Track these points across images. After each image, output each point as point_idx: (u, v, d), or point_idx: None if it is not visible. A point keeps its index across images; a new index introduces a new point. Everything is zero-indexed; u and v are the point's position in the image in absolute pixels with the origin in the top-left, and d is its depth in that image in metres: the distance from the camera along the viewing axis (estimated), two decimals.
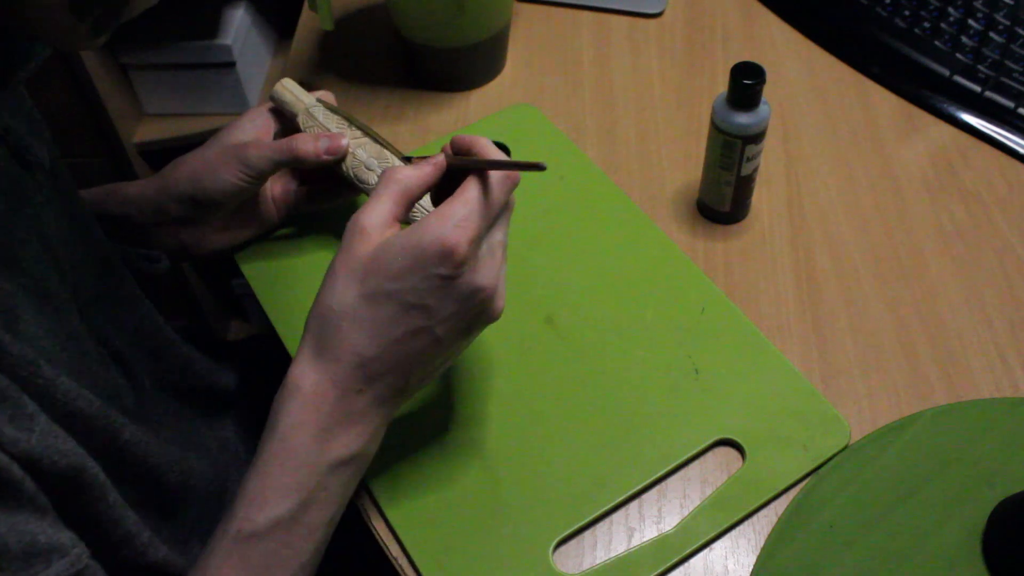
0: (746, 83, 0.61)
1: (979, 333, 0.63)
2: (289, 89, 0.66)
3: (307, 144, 0.62)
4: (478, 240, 0.47)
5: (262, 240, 0.70)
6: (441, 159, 0.51)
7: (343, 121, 0.65)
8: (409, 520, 0.55)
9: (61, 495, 0.46)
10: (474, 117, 0.80)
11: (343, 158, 0.63)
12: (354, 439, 0.49)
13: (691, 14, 0.88)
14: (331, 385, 0.48)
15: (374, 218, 0.48)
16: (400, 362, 0.48)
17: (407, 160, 0.63)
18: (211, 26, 1.18)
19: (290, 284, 0.68)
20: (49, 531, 0.43)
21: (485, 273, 0.47)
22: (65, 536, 0.44)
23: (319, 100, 0.66)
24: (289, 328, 0.65)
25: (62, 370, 0.47)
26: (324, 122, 0.64)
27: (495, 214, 0.48)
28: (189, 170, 0.64)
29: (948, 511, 0.54)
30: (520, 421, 0.59)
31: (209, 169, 0.63)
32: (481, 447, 0.58)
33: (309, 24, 0.91)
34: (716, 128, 0.64)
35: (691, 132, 0.77)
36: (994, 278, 0.66)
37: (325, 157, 0.62)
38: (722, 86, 0.80)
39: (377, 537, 0.56)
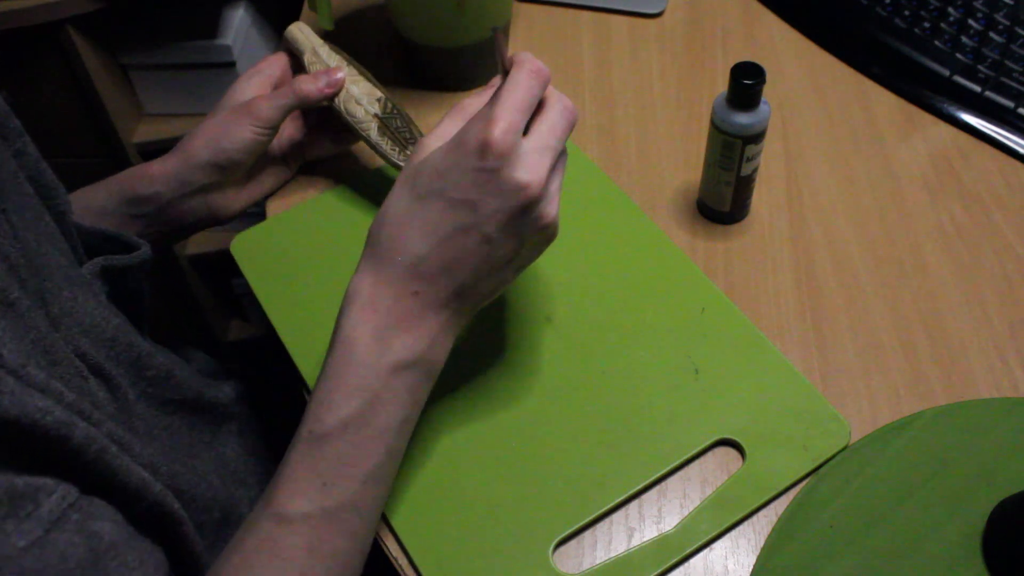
0: (746, 83, 0.61)
1: (979, 333, 0.63)
2: (301, 30, 0.72)
3: (308, 84, 0.68)
4: (516, 132, 0.48)
5: (262, 240, 0.70)
6: (496, 81, 0.53)
7: (343, 60, 0.71)
8: (409, 520, 0.55)
9: (55, 453, 0.43)
10: None
11: (341, 86, 0.69)
12: (414, 341, 0.49)
13: (691, 14, 0.88)
14: (386, 287, 0.49)
15: (434, 136, 0.51)
16: (452, 261, 0.49)
17: (387, 106, 0.69)
18: (211, 26, 1.18)
19: (290, 283, 0.68)
20: (26, 476, 0.41)
21: (529, 168, 0.48)
22: (45, 478, 0.42)
23: (325, 42, 0.71)
24: (289, 328, 0.65)
25: (30, 383, 0.42)
26: (327, 60, 0.70)
27: (531, 106, 0.49)
28: (205, 137, 0.68)
29: (948, 511, 0.54)
30: (520, 421, 0.59)
31: (224, 131, 0.67)
32: (481, 447, 0.58)
33: (309, 24, 0.91)
34: (716, 128, 0.64)
35: (691, 132, 0.77)
36: (994, 278, 0.66)
37: (327, 91, 0.68)
38: (722, 86, 0.80)
39: (377, 537, 0.56)
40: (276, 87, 0.72)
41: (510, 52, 0.51)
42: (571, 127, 0.51)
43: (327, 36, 0.89)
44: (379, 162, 0.77)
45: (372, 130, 0.68)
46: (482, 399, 0.60)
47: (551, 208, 0.50)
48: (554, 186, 0.50)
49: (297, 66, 0.73)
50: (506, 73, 0.50)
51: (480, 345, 0.63)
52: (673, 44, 0.85)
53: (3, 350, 0.41)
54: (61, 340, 0.50)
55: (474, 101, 0.52)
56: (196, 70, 1.19)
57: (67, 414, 0.42)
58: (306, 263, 0.69)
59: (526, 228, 0.49)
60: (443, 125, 0.52)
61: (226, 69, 1.19)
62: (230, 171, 0.69)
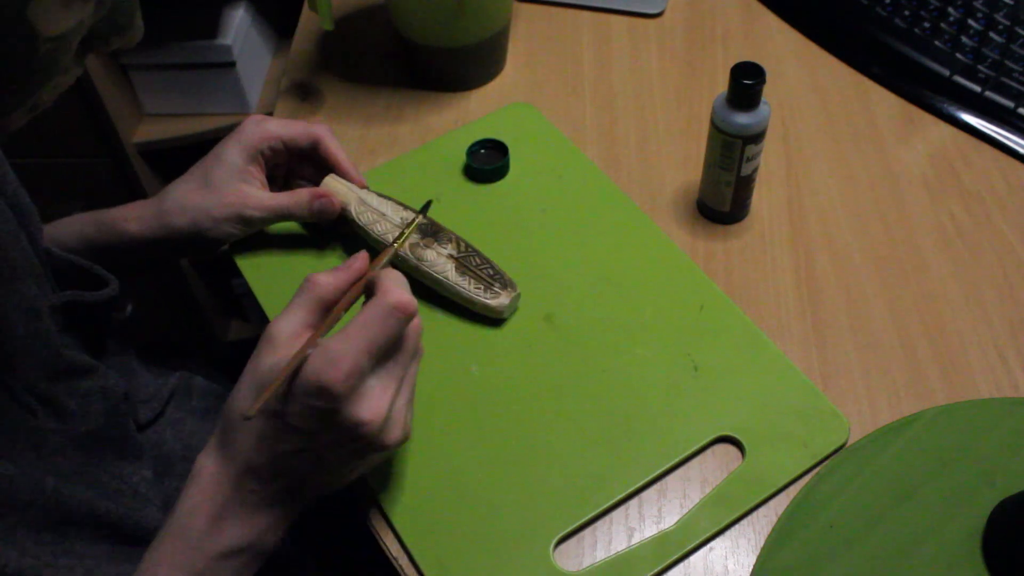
0: (746, 83, 0.61)
1: (979, 333, 0.63)
2: (339, 181, 0.68)
3: (302, 209, 0.66)
4: (358, 375, 0.46)
5: (262, 240, 0.70)
6: (360, 264, 0.52)
7: (396, 204, 0.67)
8: (410, 519, 0.55)
9: None
10: (474, 117, 0.80)
11: (335, 217, 0.67)
12: (247, 531, 0.50)
13: (691, 14, 0.88)
14: (226, 478, 0.49)
15: (285, 328, 0.49)
16: (289, 473, 0.49)
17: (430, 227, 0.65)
18: (211, 26, 1.18)
19: (290, 284, 0.67)
20: None
21: (369, 407, 0.47)
22: None
23: (369, 189, 0.68)
24: None
25: None
26: (377, 207, 0.67)
27: (381, 347, 0.47)
28: (190, 219, 0.65)
29: (948, 511, 0.54)
30: (520, 419, 0.59)
31: (210, 222, 0.65)
32: (481, 445, 0.58)
33: (309, 24, 0.91)
34: (716, 128, 0.64)
35: (691, 132, 0.77)
36: (994, 278, 0.66)
37: (317, 215, 0.67)
38: (722, 86, 0.80)
39: (377, 537, 0.56)
40: (271, 154, 0.68)
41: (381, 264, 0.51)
42: (418, 343, 0.50)
43: (326, 36, 0.89)
44: (378, 163, 0.77)
45: (450, 271, 0.64)
46: (482, 398, 0.60)
47: (394, 434, 0.49)
48: (398, 411, 0.49)
49: (272, 156, 0.68)
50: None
51: (479, 343, 0.63)
52: (673, 44, 0.85)
53: None
54: (8, 384, 0.52)
55: (327, 284, 0.50)
56: (196, 70, 1.19)
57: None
58: (306, 263, 0.69)
59: (369, 451, 0.49)
60: (293, 311, 0.50)
61: (226, 69, 1.19)
62: (210, 247, 0.68)
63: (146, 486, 0.60)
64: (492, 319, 0.64)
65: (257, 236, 0.70)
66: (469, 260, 0.64)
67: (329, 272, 0.51)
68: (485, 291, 0.63)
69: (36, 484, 0.51)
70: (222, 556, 0.49)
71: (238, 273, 0.69)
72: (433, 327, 0.64)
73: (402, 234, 0.61)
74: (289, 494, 0.50)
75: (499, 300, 0.62)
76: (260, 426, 0.48)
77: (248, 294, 0.68)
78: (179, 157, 1.29)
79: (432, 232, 0.65)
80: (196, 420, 0.71)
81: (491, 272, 0.64)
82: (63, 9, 0.40)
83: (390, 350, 0.48)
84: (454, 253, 0.64)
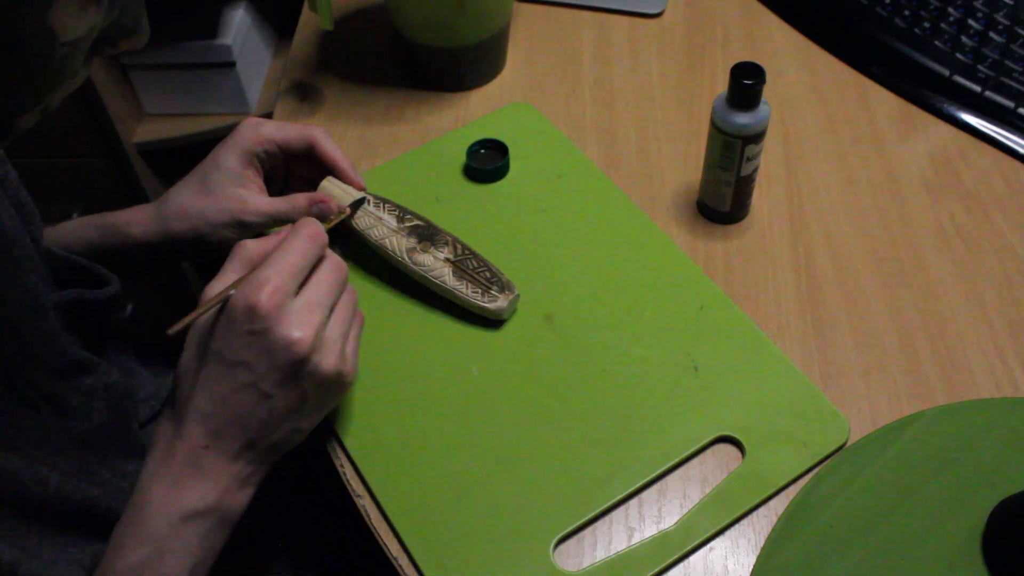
0: (746, 83, 0.61)
1: (979, 333, 0.63)
2: (336, 184, 0.67)
3: (299, 214, 0.66)
4: (284, 294, 0.49)
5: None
6: (284, 232, 0.53)
7: (394, 209, 0.67)
8: (410, 519, 0.55)
9: None
10: (474, 117, 0.80)
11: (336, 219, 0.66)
12: (207, 492, 0.50)
13: (691, 14, 0.88)
14: (180, 440, 0.50)
15: (217, 282, 0.52)
16: (236, 417, 0.50)
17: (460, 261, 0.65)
18: (211, 26, 1.18)
19: None
20: None
21: (297, 324, 0.49)
22: None
23: (365, 193, 0.68)
24: None
25: None
26: (374, 211, 0.67)
27: (300, 269, 0.51)
28: (189, 225, 0.66)
29: (948, 511, 0.54)
30: (520, 419, 0.59)
31: (209, 228, 0.66)
32: (481, 446, 0.58)
33: (309, 24, 0.91)
34: (716, 128, 0.64)
35: (691, 132, 0.77)
36: (994, 278, 0.66)
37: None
38: (722, 86, 0.80)
39: (377, 536, 0.56)
40: (268, 158, 0.68)
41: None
42: (342, 283, 0.53)
43: (326, 36, 0.89)
44: (378, 163, 0.77)
45: (447, 276, 0.64)
46: (483, 398, 0.60)
47: (328, 359, 0.51)
48: (330, 336, 0.51)
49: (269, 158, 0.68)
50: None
51: (479, 343, 0.63)
52: (673, 44, 0.85)
53: None
54: (12, 381, 0.53)
55: (257, 246, 0.53)
56: (196, 70, 1.19)
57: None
58: None
59: (304, 380, 0.50)
60: (224, 271, 0.52)
61: (226, 69, 1.19)
62: (211, 250, 0.68)
63: None
64: (491, 320, 0.64)
65: (257, 236, 0.70)
66: (466, 263, 0.64)
67: (257, 239, 0.54)
68: (483, 295, 0.63)
69: (40, 479, 0.52)
70: (184, 519, 0.49)
71: None
72: (433, 328, 0.64)
73: (329, 220, 0.63)
74: (245, 448, 0.51)
75: (497, 304, 0.62)
76: (200, 370, 0.50)
77: None
78: (179, 157, 1.29)
79: (429, 236, 0.65)
80: None
81: (488, 275, 0.64)
82: (80, 13, 0.41)
83: (317, 280, 0.51)
84: (450, 257, 0.64)
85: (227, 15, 1.19)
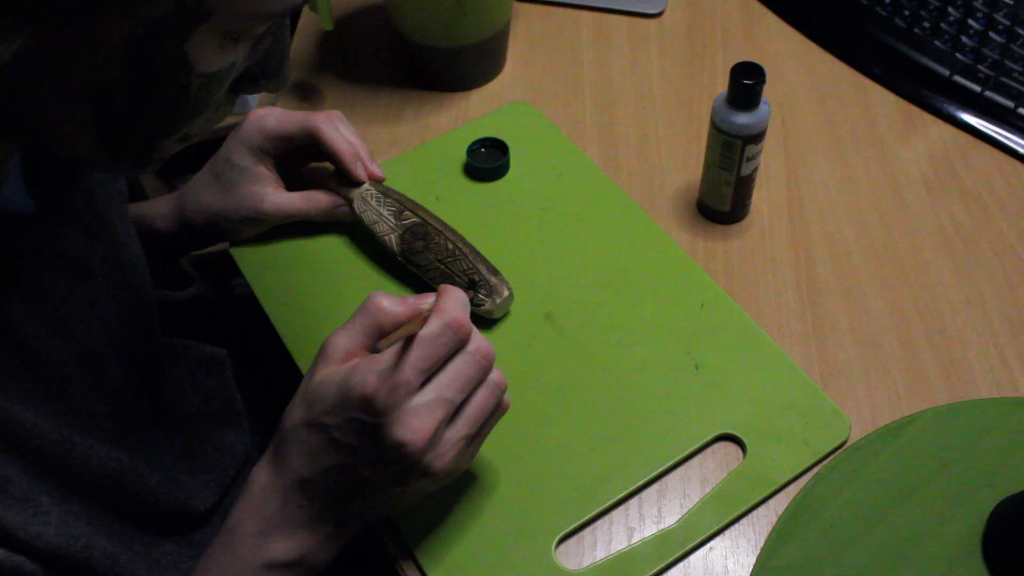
0: (746, 83, 0.61)
1: (979, 333, 0.63)
2: (342, 179, 0.68)
3: (319, 213, 0.69)
4: (406, 391, 0.46)
5: (262, 240, 0.70)
6: (425, 307, 0.49)
7: (393, 204, 0.67)
8: (412, 517, 0.55)
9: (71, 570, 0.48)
10: (474, 117, 0.80)
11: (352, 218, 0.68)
12: (295, 546, 0.50)
13: (691, 14, 0.88)
14: (277, 491, 0.49)
15: (342, 345, 0.49)
16: (335, 490, 0.49)
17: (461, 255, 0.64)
18: None
19: (290, 285, 0.68)
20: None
21: (413, 428, 0.46)
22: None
23: (370, 184, 0.68)
24: (289, 328, 0.65)
25: (100, 429, 0.50)
26: (376, 207, 0.67)
27: (430, 367, 0.46)
28: (207, 220, 0.69)
29: (948, 511, 0.54)
30: (521, 418, 0.59)
31: (228, 224, 0.68)
32: (483, 444, 0.58)
33: (309, 24, 0.91)
34: (716, 128, 0.64)
35: (691, 132, 0.77)
36: (994, 278, 0.66)
37: (333, 217, 0.69)
38: (722, 86, 0.80)
39: (376, 536, 0.55)
40: (276, 151, 0.68)
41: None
42: (479, 375, 0.48)
43: (326, 36, 0.89)
44: (378, 163, 0.77)
45: (437, 277, 0.64)
46: None
47: (439, 462, 0.47)
48: (450, 438, 0.48)
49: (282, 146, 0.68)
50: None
51: None
52: (673, 44, 0.85)
53: (75, 440, 0.48)
54: (126, 384, 0.55)
55: (388, 313, 0.49)
56: None
57: (90, 537, 0.48)
58: (306, 263, 0.69)
59: (411, 476, 0.48)
60: (354, 330, 0.49)
61: None
62: (231, 239, 0.71)
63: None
64: (487, 319, 0.64)
65: (257, 237, 0.70)
66: (455, 265, 0.64)
67: (393, 300, 0.49)
68: (473, 296, 0.63)
69: (141, 480, 0.53)
70: (268, 567, 0.49)
71: (238, 273, 0.69)
72: None
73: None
74: (334, 514, 0.50)
75: (484, 307, 0.62)
76: (309, 439, 0.48)
77: (248, 294, 0.68)
78: (179, 157, 1.29)
79: (423, 235, 0.65)
80: None
81: (477, 277, 0.63)
82: (219, 50, 0.41)
83: (449, 373, 0.47)
84: (441, 257, 0.64)
85: None
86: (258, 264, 0.69)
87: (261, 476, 0.50)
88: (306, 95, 0.83)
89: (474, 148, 0.74)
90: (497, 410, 0.50)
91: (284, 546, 0.49)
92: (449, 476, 0.50)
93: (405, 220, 0.66)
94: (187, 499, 0.57)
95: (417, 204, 0.67)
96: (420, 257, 0.64)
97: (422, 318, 0.47)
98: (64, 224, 0.50)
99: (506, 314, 0.64)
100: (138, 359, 0.58)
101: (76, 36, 0.37)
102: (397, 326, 0.49)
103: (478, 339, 0.48)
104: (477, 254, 0.64)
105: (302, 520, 0.49)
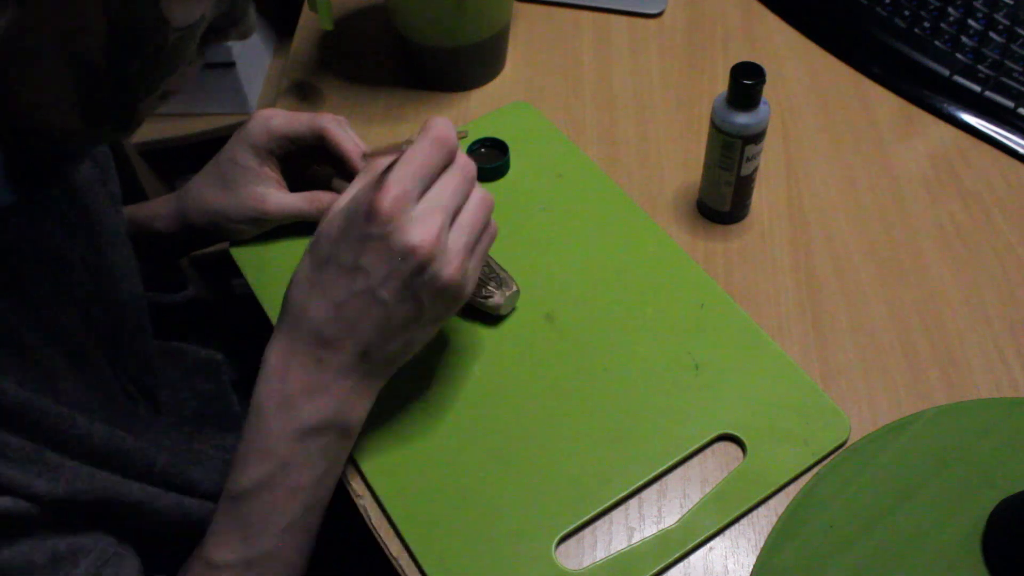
0: (746, 83, 0.61)
1: (979, 333, 0.63)
2: (343, 184, 0.68)
3: (320, 213, 0.68)
4: (406, 198, 0.48)
5: (262, 240, 0.70)
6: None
7: None
8: (412, 517, 0.55)
9: (95, 515, 0.50)
10: (474, 117, 0.80)
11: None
12: (321, 407, 0.50)
13: (691, 14, 0.88)
14: (292, 355, 0.50)
15: (343, 199, 0.51)
16: (351, 326, 0.49)
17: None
18: None
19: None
20: (69, 539, 0.48)
21: (417, 231, 0.47)
22: (86, 538, 0.49)
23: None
24: None
25: (96, 417, 0.50)
26: None
27: (425, 177, 0.49)
28: (209, 220, 0.69)
29: (948, 511, 0.54)
30: (521, 418, 0.59)
31: (230, 223, 0.69)
32: (483, 444, 0.58)
33: (309, 24, 0.91)
34: (716, 128, 0.64)
35: (691, 132, 0.77)
36: (994, 278, 0.66)
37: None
38: (722, 86, 0.80)
39: (376, 536, 0.56)
40: (281, 152, 0.69)
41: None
42: (468, 184, 0.51)
43: (326, 36, 0.89)
44: None
45: None
46: (484, 397, 0.60)
47: (449, 268, 0.49)
48: (453, 245, 0.49)
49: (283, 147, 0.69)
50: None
51: (480, 343, 0.63)
52: (673, 44, 0.85)
53: (77, 419, 0.48)
54: (112, 375, 0.56)
55: (386, 162, 0.51)
56: None
57: (112, 485, 0.50)
58: None
59: (422, 289, 0.49)
60: (354, 186, 0.51)
61: (226, 69, 1.19)
62: (231, 239, 0.71)
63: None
64: (492, 317, 0.64)
65: (258, 238, 0.70)
66: None
67: (386, 152, 0.52)
68: (480, 290, 0.63)
69: (148, 458, 0.54)
70: (303, 435, 0.50)
71: (238, 273, 0.69)
72: None
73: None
74: (360, 360, 0.50)
75: (493, 300, 0.62)
76: (320, 279, 0.49)
77: (248, 294, 0.68)
78: (179, 157, 1.29)
79: None
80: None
81: (487, 270, 0.63)
82: (192, 2, 0.42)
83: (441, 183, 0.49)
84: None
85: None
86: (258, 264, 0.69)
87: (274, 348, 0.51)
88: (306, 95, 0.83)
89: (474, 148, 0.74)
90: (488, 227, 0.52)
91: (311, 408, 0.50)
92: (458, 297, 0.51)
93: None
94: (195, 479, 0.58)
95: None
96: None
97: (408, 140, 0.50)
98: (43, 218, 0.51)
99: (512, 311, 0.64)
100: (128, 359, 0.58)
101: (59, 4, 0.38)
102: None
103: (462, 156, 0.51)
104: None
105: (325, 378, 0.50)
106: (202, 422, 0.63)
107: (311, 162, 0.71)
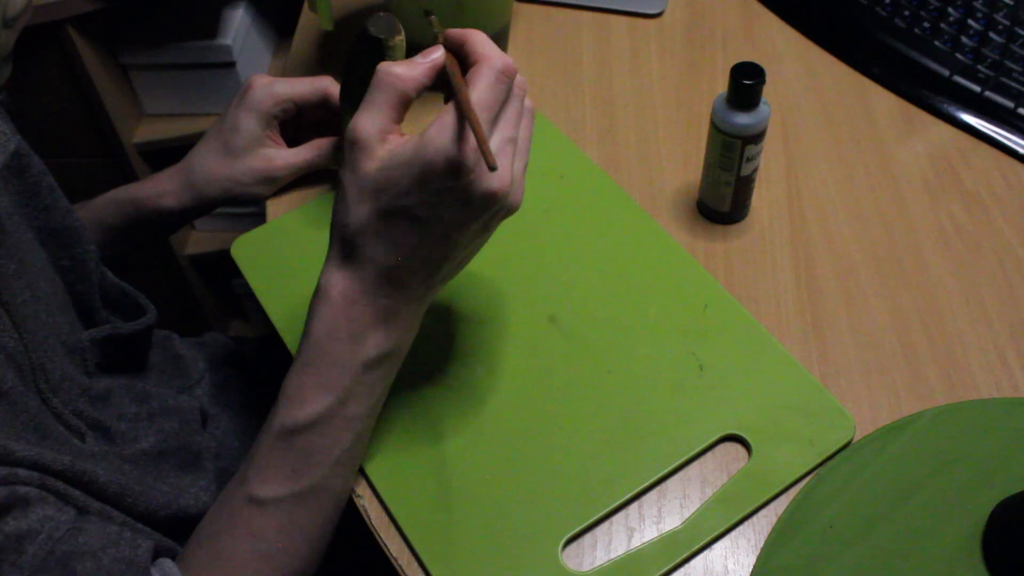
0: (746, 83, 0.61)
1: (979, 333, 0.63)
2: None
3: (326, 159, 0.72)
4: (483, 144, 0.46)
5: (262, 239, 0.70)
6: (439, 57, 0.49)
7: None
8: (417, 519, 0.55)
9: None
10: None
11: None
12: (384, 339, 0.51)
13: (691, 14, 0.88)
14: (359, 292, 0.50)
15: (372, 128, 0.48)
16: (423, 266, 0.50)
17: None
18: (211, 26, 1.18)
19: (289, 283, 0.68)
20: (12, 523, 0.46)
21: (495, 178, 0.47)
22: (33, 521, 0.47)
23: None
24: (289, 328, 0.65)
25: (13, 439, 0.49)
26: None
27: (495, 112, 0.47)
28: (220, 188, 0.71)
29: (948, 511, 0.54)
30: (526, 420, 0.59)
31: (241, 188, 0.71)
32: (488, 446, 0.58)
33: (309, 24, 0.91)
34: (716, 128, 0.64)
35: (691, 132, 0.77)
36: (994, 278, 0.66)
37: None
38: (722, 86, 0.80)
39: (376, 536, 0.56)
40: (284, 115, 0.71)
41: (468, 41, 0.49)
42: (522, 100, 0.49)
43: (326, 36, 0.89)
44: None
45: None
46: (488, 399, 0.60)
47: (515, 197, 0.49)
48: (517, 174, 0.49)
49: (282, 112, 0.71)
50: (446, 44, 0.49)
51: (484, 345, 0.63)
52: (673, 44, 0.85)
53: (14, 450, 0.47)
54: (56, 410, 0.55)
55: (406, 78, 0.48)
56: (196, 70, 1.19)
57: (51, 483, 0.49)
58: (306, 265, 0.69)
59: (492, 220, 0.50)
60: (376, 109, 0.48)
61: (226, 69, 1.19)
62: (243, 204, 0.74)
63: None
64: (496, 322, 0.64)
65: (257, 238, 0.70)
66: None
67: (403, 64, 0.48)
68: None
69: (86, 477, 0.52)
70: (366, 368, 0.51)
71: (238, 273, 0.70)
72: (438, 332, 0.64)
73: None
74: (425, 291, 0.51)
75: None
76: (388, 227, 0.48)
77: (248, 294, 0.69)
78: (179, 157, 1.29)
79: None
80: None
81: None
82: None
83: (508, 118, 0.48)
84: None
85: (227, 15, 1.19)
86: (258, 264, 0.69)
87: (336, 283, 0.50)
88: None
89: None
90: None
91: (375, 341, 0.50)
92: (515, 210, 0.51)
93: None
94: (131, 502, 0.56)
95: None
96: None
97: (454, 63, 0.48)
98: None
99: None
100: (63, 391, 0.56)
101: None
102: (419, 89, 0.48)
103: (517, 77, 0.49)
104: None
105: (391, 311, 0.50)
106: (160, 460, 0.61)
107: (306, 130, 0.74)
